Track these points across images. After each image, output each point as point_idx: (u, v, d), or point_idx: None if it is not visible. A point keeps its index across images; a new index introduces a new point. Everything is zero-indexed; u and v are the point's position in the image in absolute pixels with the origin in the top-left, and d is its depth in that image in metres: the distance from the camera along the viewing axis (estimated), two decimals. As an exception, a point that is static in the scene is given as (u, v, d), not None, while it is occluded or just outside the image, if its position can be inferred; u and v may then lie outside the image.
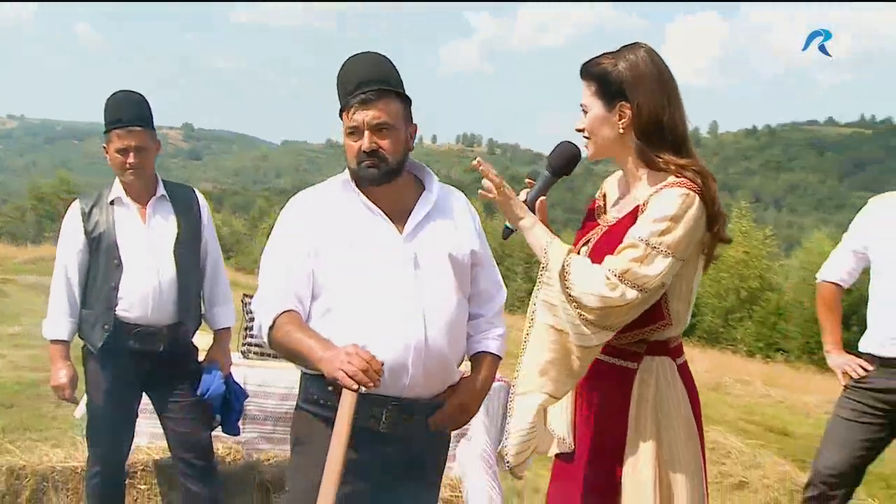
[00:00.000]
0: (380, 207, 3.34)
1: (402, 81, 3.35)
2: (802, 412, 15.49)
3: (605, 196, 3.32)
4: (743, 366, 23.32)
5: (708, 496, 3.18)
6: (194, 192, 5.06)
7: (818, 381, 23.67)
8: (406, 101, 3.34)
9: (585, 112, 3.12)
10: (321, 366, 3.10)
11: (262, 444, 5.57)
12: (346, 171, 3.40)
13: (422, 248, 3.33)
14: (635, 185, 3.13)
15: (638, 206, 3.02)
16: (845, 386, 5.01)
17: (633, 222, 2.99)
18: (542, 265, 3.04)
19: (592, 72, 3.09)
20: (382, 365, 3.03)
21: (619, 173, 3.29)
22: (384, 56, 3.37)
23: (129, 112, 4.72)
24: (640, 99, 3.01)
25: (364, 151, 3.24)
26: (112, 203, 4.81)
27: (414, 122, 3.39)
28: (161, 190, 4.88)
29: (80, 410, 5.72)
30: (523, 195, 3.28)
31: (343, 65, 3.34)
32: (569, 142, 3.31)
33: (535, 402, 3.00)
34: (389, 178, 3.29)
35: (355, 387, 2.97)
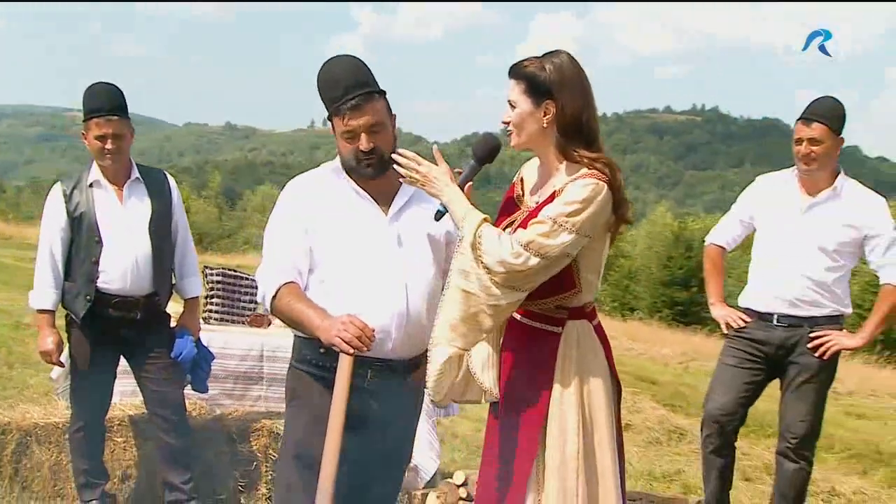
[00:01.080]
0: (367, 192, 3.39)
1: (376, 80, 3.36)
2: (661, 363, 15.97)
3: (522, 180, 3.36)
4: (607, 323, 23.82)
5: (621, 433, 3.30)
6: (165, 175, 5.05)
7: (668, 335, 24.39)
8: (385, 96, 3.37)
9: (513, 107, 3.14)
10: (319, 333, 3.14)
11: (224, 399, 5.54)
12: (337, 159, 3.43)
13: (404, 229, 3.39)
14: (554, 173, 3.17)
15: (555, 192, 3.07)
16: (727, 335, 5.13)
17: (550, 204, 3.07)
18: (458, 235, 3.09)
19: (522, 72, 3.12)
20: (374, 331, 3.09)
21: (536, 160, 3.33)
22: (358, 59, 3.38)
23: (108, 102, 4.74)
24: (565, 99, 3.05)
25: (363, 151, 3.27)
26: (91, 186, 4.79)
27: (393, 113, 3.42)
28: (135, 173, 4.87)
29: (56, 372, 5.63)
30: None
31: (323, 71, 3.34)
32: (490, 134, 3.36)
33: (445, 353, 3.06)
34: (384, 171, 3.32)
35: (351, 351, 3.02)
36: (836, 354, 4.89)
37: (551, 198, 3.06)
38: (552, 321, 3.17)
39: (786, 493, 4.97)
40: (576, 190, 3.00)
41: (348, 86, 3.25)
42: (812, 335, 4.83)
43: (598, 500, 3.13)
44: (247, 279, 6.27)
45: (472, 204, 3.17)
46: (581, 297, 3.16)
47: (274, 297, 3.29)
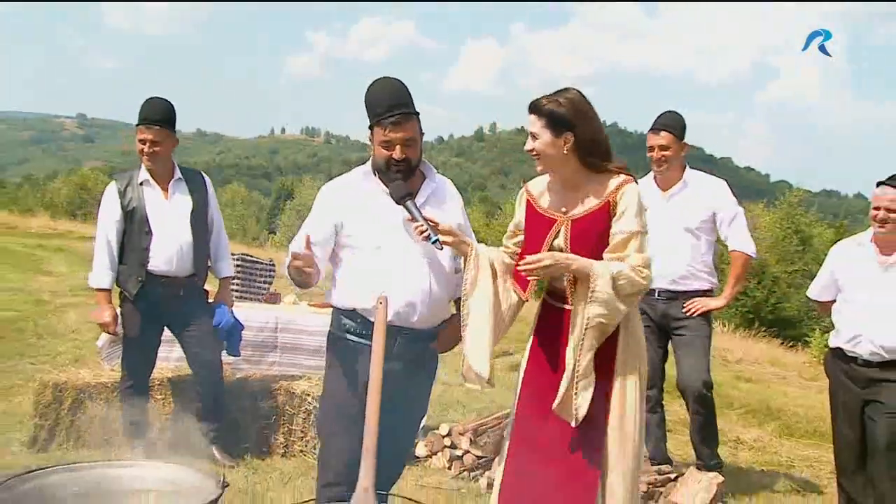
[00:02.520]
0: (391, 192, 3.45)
1: (413, 101, 3.42)
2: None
3: (532, 198, 3.34)
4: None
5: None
6: (203, 175, 5.18)
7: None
8: (419, 117, 3.46)
9: (535, 138, 3.14)
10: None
11: (244, 365, 5.58)
12: (368, 163, 3.53)
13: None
14: (582, 185, 3.17)
15: (608, 202, 3.11)
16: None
17: (605, 214, 3.11)
18: (590, 288, 2.99)
19: (542, 109, 3.11)
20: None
21: (539, 179, 3.35)
22: (402, 82, 3.43)
23: (153, 114, 4.89)
24: (581, 128, 3.09)
25: (395, 160, 3.37)
26: (141, 184, 4.93)
27: (422, 132, 3.47)
28: (178, 174, 5.02)
29: (101, 341, 5.63)
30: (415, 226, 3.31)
31: (372, 87, 3.41)
32: (394, 184, 3.36)
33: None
34: (411, 176, 3.43)
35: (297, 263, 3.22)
36: (708, 314, 5.07)
37: (605, 206, 3.11)
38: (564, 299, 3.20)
39: (702, 440, 5.11)
40: (630, 198, 3.11)
41: (392, 105, 3.33)
42: (686, 302, 5.02)
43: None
44: (261, 263, 6.30)
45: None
46: None
47: (291, 260, 3.41)
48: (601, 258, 3.08)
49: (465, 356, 3.25)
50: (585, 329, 3.01)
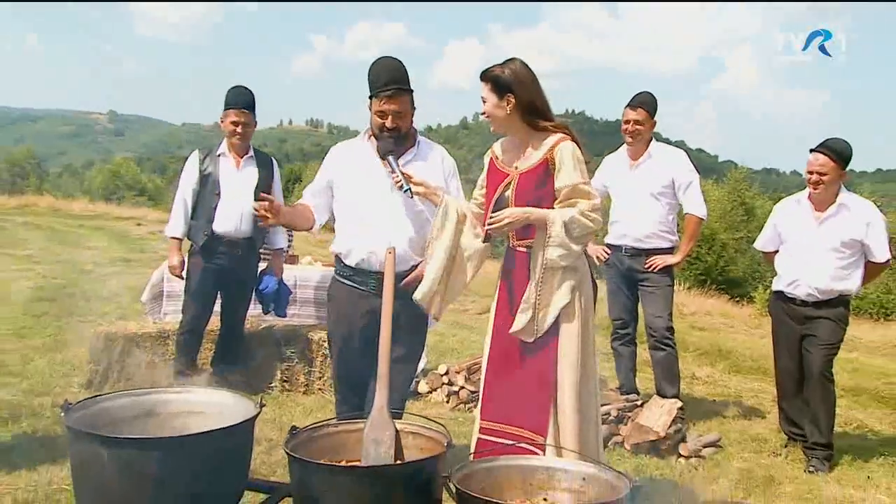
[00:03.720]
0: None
1: (409, 79, 3.49)
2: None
3: (495, 156, 3.35)
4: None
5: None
6: (271, 158, 5.28)
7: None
8: (412, 93, 3.52)
9: (484, 101, 3.18)
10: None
11: (268, 316, 5.58)
12: (369, 127, 3.61)
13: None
14: (527, 142, 3.21)
15: (546, 159, 3.12)
16: (606, 262, 5.32)
17: (545, 168, 3.12)
18: (547, 234, 3.04)
19: (489, 75, 3.16)
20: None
21: (501, 140, 3.37)
22: (400, 62, 3.50)
23: (241, 100, 5.00)
24: (520, 91, 3.13)
25: (387, 128, 3.46)
26: (219, 156, 5.02)
27: (415, 106, 3.55)
28: (251, 152, 5.13)
29: (146, 296, 5.67)
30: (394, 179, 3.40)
31: (374, 64, 3.49)
32: (382, 142, 3.47)
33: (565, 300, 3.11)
34: (399, 144, 3.51)
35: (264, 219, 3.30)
36: (669, 268, 5.16)
37: (544, 161, 3.12)
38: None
39: (663, 375, 5.19)
40: (565, 156, 3.09)
41: (387, 80, 3.41)
42: (648, 259, 5.12)
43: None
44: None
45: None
46: None
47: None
48: (543, 206, 3.10)
49: (421, 293, 3.29)
50: (544, 269, 3.07)
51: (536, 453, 3.00)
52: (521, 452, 2.99)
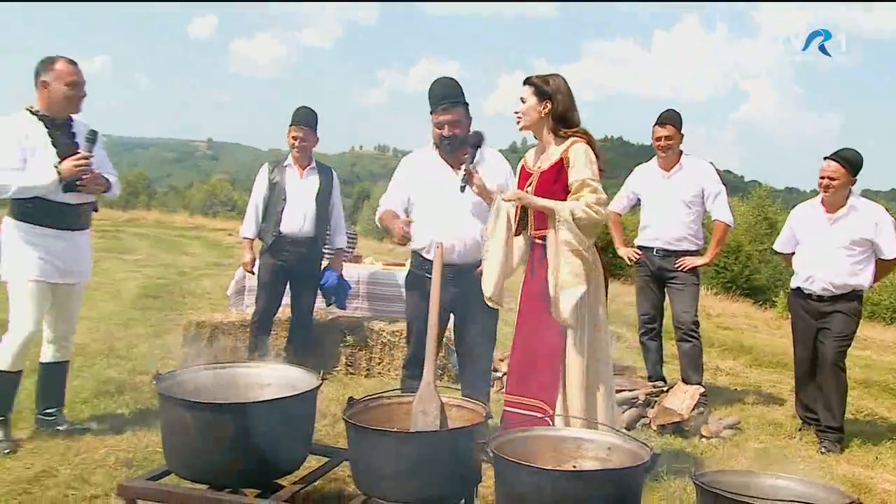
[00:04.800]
0: (447, 161, 3.62)
1: (464, 94, 3.54)
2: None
3: (525, 161, 3.37)
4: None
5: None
6: (332, 170, 5.25)
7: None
8: (467, 106, 3.56)
9: (523, 101, 3.20)
10: (393, 233, 3.53)
11: (335, 309, 5.58)
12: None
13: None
14: (547, 148, 3.23)
15: (560, 159, 3.14)
16: (637, 263, 5.21)
17: (559, 166, 3.13)
18: (556, 219, 3.05)
19: (534, 81, 3.19)
20: (443, 247, 3.29)
21: (532, 150, 3.37)
22: (454, 80, 3.58)
23: (302, 118, 5.02)
24: (557, 101, 3.16)
25: (445, 136, 3.49)
26: (285, 166, 5.05)
27: (470, 116, 3.59)
28: (313, 164, 5.13)
29: (231, 290, 5.78)
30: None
31: (432, 84, 3.55)
32: (476, 132, 3.50)
33: (579, 293, 3.05)
34: (457, 150, 3.54)
35: (402, 242, 3.46)
36: (696, 268, 5.03)
37: (559, 162, 3.14)
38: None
39: (689, 364, 5.05)
40: (578, 155, 3.10)
41: (443, 96, 3.48)
42: (677, 260, 5.00)
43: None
44: (347, 234, 6.36)
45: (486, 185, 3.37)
46: None
47: (380, 214, 3.62)
48: (556, 199, 3.10)
49: (483, 288, 3.31)
50: (558, 253, 3.05)
51: (547, 423, 3.01)
52: (546, 424, 2.99)
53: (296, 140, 4.98)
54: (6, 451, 3.55)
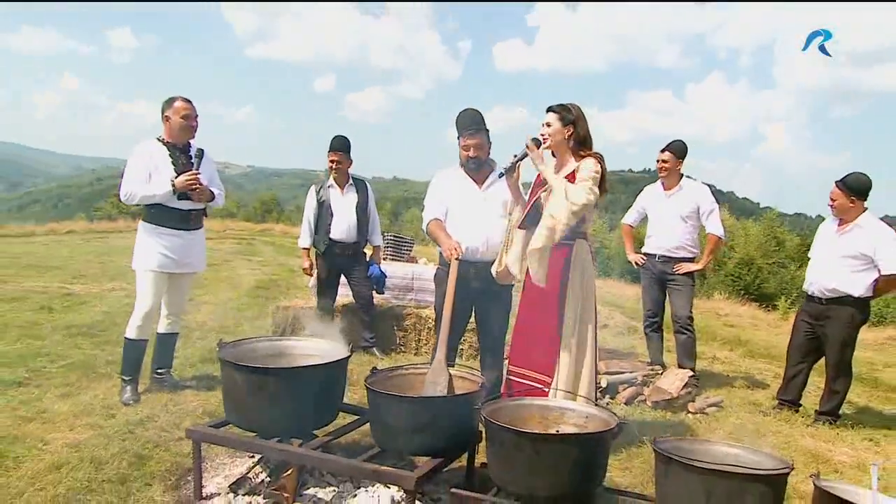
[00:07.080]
0: (472, 178, 3.48)
1: (485, 123, 3.42)
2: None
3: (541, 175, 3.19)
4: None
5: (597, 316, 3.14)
6: (367, 184, 5.13)
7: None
8: (488, 133, 3.44)
9: (549, 126, 3.05)
10: (443, 248, 3.28)
11: (393, 300, 5.59)
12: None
13: (489, 196, 3.47)
14: (566, 164, 3.09)
15: (574, 170, 3.01)
16: (643, 266, 4.97)
17: (573, 176, 2.98)
18: (551, 188, 2.96)
19: (557, 109, 3.06)
20: (465, 249, 3.21)
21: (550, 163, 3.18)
22: (476, 111, 3.44)
23: (337, 144, 4.92)
24: (578, 126, 3.04)
25: (470, 157, 3.38)
26: (329, 187, 4.97)
27: (490, 141, 3.46)
28: (351, 181, 5.01)
29: (310, 282, 5.80)
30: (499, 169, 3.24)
31: (459, 114, 3.43)
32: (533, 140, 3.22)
33: (539, 243, 2.91)
34: (481, 168, 3.43)
35: (453, 258, 3.16)
36: (691, 272, 4.77)
37: (572, 174, 3.00)
38: (570, 238, 3.04)
39: (684, 353, 4.79)
40: (588, 164, 2.98)
41: (469, 124, 3.37)
42: (675, 265, 4.76)
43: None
44: (405, 240, 6.32)
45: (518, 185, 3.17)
46: (586, 226, 3.11)
47: (428, 224, 3.44)
48: None
49: (507, 264, 3.17)
50: (543, 222, 2.91)
51: (546, 393, 2.84)
52: (539, 395, 2.84)
53: (333, 163, 4.90)
54: (131, 403, 3.64)
